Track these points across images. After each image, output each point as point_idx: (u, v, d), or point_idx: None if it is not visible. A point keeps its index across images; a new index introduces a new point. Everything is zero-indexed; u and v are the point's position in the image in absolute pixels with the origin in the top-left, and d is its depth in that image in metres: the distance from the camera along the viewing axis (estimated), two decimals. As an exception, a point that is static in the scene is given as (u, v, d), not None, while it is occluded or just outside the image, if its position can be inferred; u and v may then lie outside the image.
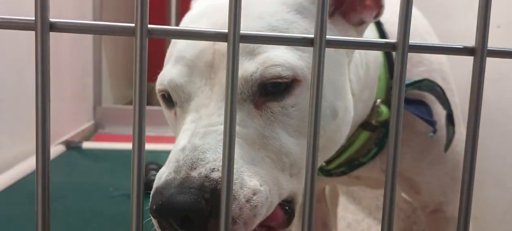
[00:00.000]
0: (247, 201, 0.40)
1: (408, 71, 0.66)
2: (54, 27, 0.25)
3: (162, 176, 0.41)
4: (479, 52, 0.29)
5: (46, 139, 0.25)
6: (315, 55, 0.27)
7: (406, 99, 0.63)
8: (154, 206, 0.39)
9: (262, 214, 0.42)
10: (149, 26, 0.25)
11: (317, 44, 0.27)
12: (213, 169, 0.39)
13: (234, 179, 0.39)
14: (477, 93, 0.30)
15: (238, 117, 0.44)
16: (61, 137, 2.04)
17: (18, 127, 1.60)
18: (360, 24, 0.53)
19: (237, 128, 0.43)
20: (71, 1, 2.20)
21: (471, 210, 0.32)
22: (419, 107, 0.63)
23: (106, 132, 2.58)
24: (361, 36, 0.55)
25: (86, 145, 1.95)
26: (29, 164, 1.53)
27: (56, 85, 1.99)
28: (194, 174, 0.39)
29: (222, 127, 0.42)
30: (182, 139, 0.44)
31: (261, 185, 0.42)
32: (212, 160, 0.40)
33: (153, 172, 1.37)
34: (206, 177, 0.39)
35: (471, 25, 0.31)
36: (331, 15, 0.52)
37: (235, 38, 0.25)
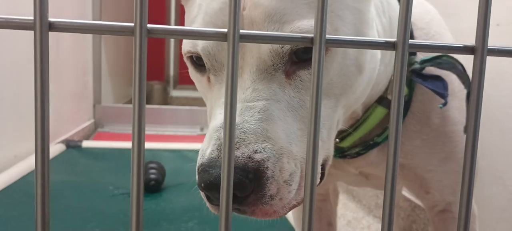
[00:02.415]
0: (285, 181, 0.44)
1: (429, 55, 0.65)
2: (53, 27, 0.25)
3: (205, 152, 0.44)
4: (480, 51, 0.29)
5: (46, 138, 0.25)
6: (314, 55, 0.27)
7: (424, 75, 0.62)
8: (202, 184, 0.42)
9: (296, 188, 0.46)
10: (149, 25, 0.25)
11: (316, 43, 0.27)
12: (256, 150, 0.43)
13: (274, 162, 0.44)
14: (478, 91, 0.30)
15: (272, 89, 0.47)
16: (61, 136, 2.04)
17: (18, 126, 1.60)
18: None
19: (272, 103, 0.46)
20: (71, 1, 2.20)
21: (471, 208, 0.32)
22: (435, 82, 0.62)
23: (105, 131, 2.58)
24: None
25: (86, 143, 1.95)
26: (29, 163, 1.53)
27: (56, 85, 1.99)
28: (238, 153, 0.42)
29: (258, 103, 0.45)
30: (220, 114, 0.46)
31: (295, 165, 0.45)
32: (253, 141, 0.43)
33: (152, 171, 1.37)
34: (249, 157, 0.42)
35: (473, 24, 0.31)
36: None
37: (234, 37, 0.25)
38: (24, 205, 1.21)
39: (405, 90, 0.61)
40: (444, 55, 0.61)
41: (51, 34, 0.25)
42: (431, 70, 0.63)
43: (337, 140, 0.65)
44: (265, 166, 0.43)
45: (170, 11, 4.00)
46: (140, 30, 0.24)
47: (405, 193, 1.40)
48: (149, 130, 2.44)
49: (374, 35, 0.54)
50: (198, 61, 0.52)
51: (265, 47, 0.46)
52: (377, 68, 0.55)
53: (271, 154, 0.43)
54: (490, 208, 1.07)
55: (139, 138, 0.26)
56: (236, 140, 0.43)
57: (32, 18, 0.24)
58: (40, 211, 0.26)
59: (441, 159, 0.67)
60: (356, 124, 0.64)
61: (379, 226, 0.99)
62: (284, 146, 0.45)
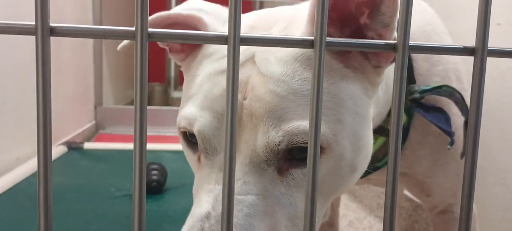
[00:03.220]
0: None
1: (428, 70, 0.65)
2: (55, 31, 0.25)
3: None
4: (480, 52, 0.29)
5: (48, 140, 0.26)
6: (315, 57, 0.27)
7: (424, 105, 0.62)
8: None
9: None
10: (150, 29, 0.25)
11: (317, 45, 0.27)
12: None
13: None
14: (478, 93, 0.30)
15: (262, 184, 0.46)
16: (63, 138, 2.04)
17: (20, 129, 1.60)
18: (377, 67, 0.51)
19: (261, 198, 0.45)
20: (71, 3, 2.20)
21: (472, 208, 0.32)
22: (437, 115, 0.62)
23: (106, 132, 2.58)
24: (380, 78, 0.52)
25: (87, 145, 1.95)
26: (31, 166, 1.53)
27: (58, 87, 1.99)
28: None
29: (247, 198, 0.44)
30: (206, 202, 0.45)
31: None
32: None
33: (154, 172, 1.37)
34: None
35: (472, 25, 0.31)
36: (337, 57, 0.50)
37: (235, 41, 0.25)
38: (26, 208, 1.21)
39: (404, 118, 0.61)
40: (444, 86, 0.61)
41: (53, 37, 0.26)
42: (431, 98, 0.63)
43: None
44: None
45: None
46: (141, 34, 0.24)
47: (407, 193, 1.40)
48: (150, 131, 2.44)
49: (370, 135, 0.53)
50: (191, 138, 0.51)
51: (261, 142, 0.46)
52: (369, 157, 0.54)
53: None
54: (493, 208, 1.07)
55: (141, 139, 0.27)
56: None
57: (34, 23, 0.24)
58: (43, 214, 0.26)
59: (442, 164, 0.68)
60: None
61: (381, 226, 0.99)
62: None
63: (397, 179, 0.30)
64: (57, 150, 1.80)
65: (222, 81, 0.48)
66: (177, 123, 0.53)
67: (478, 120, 0.30)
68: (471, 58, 0.30)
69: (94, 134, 2.55)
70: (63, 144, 1.90)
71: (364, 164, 0.52)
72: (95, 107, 2.65)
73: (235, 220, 0.43)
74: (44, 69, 0.25)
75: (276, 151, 0.46)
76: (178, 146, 2.03)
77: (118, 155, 1.83)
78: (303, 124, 0.45)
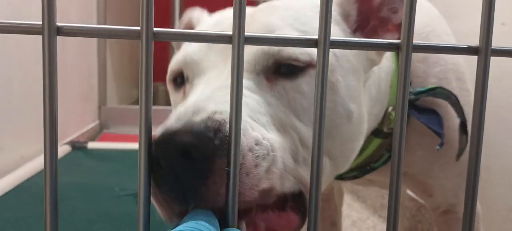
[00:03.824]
0: (250, 149, 0.38)
1: (424, 72, 0.65)
2: (61, 31, 0.25)
3: (171, 124, 0.38)
4: (483, 51, 0.29)
5: (54, 139, 0.26)
6: (319, 56, 0.27)
7: (418, 107, 0.63)
8: (154, 147, 0.33)
9: (264, 167, 0.39)
10: (155, 29, 0.25)
11: (321, 45, 0.27)
12: (216, 111, 0.37)
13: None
14: (482, 92, 0.30)
15: (248, 84, 0.44)
16: (67, 137, 2.05)
17: (25, 128, 1.61)
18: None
19: (250, 93, 0.43)
20: (76, 4, 2.21)
21: (476, 208, 0.32)
22: (430, 116, 0.62)
23: (111, 132, 2.59)
24: (380, 60, 0.55)
25: (91, 145, 1.96)
26: (36, 165, 1.54)
27: (62, 86, 2.00)
28: (197, 118, 0.37)
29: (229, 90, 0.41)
30: (191, 100, 0.42)
31: (263, 138, 0.40)
32: (213, 107, 0.38)
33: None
34: (208, 117, 0.37)
35: (477, 24, 0.31)
36: (354, 32, 0.53)
37: (239, 40, 0.25)
38: (31, 206, 1.22)
39: None
40: (438, 87, 0.61)
41: (57, 37, 0.26)
42: (426, 100, 0.63)
43: None
44: (227, 126, 0.35)
45: (175, 15, 4.02)
46: (146, 34, 0.25)
47: (411, 193, 1.40)
48: (153, 131, 2.44)
49: (360, 99, 0.53)
50: (180, 81, 0.51)
51: (252, 49, 0.45)
52: (364, 129, 0.54)
53: None
54: (497, 208, 1.06)
55: (146, 139, 0.27)
56: (195, 109, 0.37)
57: (40, 22, 0.25)
58: (49, 212, 0.26)
59: (442, 164, 0.68)
60: None
61: (384, 226, 0.99)
62: (251, 120, 0.40)
63: (400, 179, 0.30)
64: (61, 150, 1.81)
65: (220, 26, 0.50)
66: (167, 76, 0.53)
67: (481, 119, 0.30)
68: (476, 58, 0.30)
69: (98, 133, 2.56)
70: (67, 143, 1.91)
71: (360, 122, 0.52)
72: (99, 107, 2.66)
73: (210, 100, 0.39)
74: (51, 68, 0.25)
75: (267, 55, 0.45)
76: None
77: (122, 154, 1.83)
78: (296, 35, 0.46)
